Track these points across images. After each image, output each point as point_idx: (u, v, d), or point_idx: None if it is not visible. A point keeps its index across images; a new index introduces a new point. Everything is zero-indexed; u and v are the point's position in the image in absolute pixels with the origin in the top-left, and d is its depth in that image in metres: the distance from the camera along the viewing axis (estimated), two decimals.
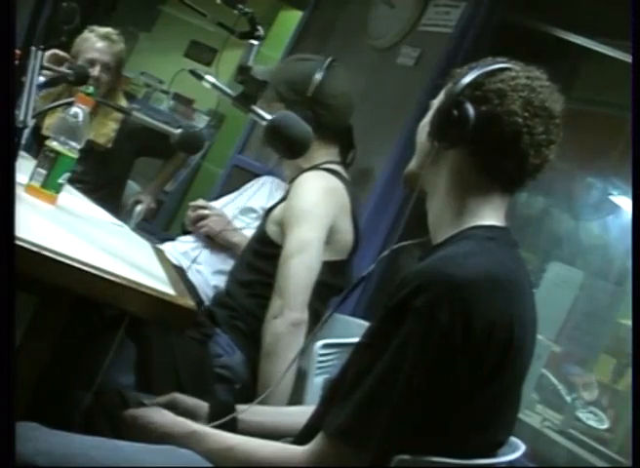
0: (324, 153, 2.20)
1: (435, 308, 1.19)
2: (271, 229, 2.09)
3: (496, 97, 1.33)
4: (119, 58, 3.34)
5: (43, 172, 1.83)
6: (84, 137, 1.93)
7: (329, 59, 2.19)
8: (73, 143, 1.87)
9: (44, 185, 1.83)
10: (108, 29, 3.33)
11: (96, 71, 3.20)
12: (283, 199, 2.15)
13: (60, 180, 1.85)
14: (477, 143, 1.34)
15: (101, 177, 3.38)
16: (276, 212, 2.12)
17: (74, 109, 1.89)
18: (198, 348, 1.98)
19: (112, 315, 1.69)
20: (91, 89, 2.05)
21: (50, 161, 1.83)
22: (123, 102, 3.39)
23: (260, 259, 2.11)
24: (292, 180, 2.21)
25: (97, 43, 3.25)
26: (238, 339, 2.03)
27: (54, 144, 1.84)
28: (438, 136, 1.37)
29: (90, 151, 3.30)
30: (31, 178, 1.83)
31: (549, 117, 1.34)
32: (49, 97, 3.12)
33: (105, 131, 3.30)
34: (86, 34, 3.27)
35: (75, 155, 1.87)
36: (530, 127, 1.32)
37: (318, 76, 2.12)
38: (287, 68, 2.23)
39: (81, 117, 1.89)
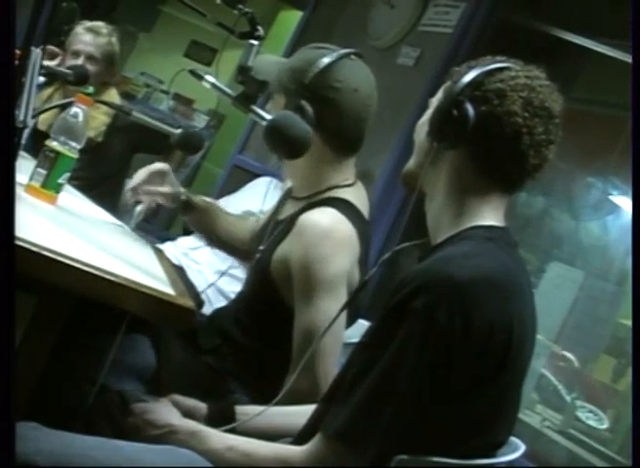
0: (333, 171, 1.86)
1: (435, 309, 1.19)
2: (275, 270, 1.80)
3: (495, 98, 1.32)
4: (106, 51, 3.32)
5: (43, 172, 1.83)
6: (84, 137, 1.93)
7: (346, 51, 1.83)
8: (73, 143, 1.87)
9: (44, 185, 1.83)
10: (97, 23, 3.35)
11: (79, 61, 3.19)
12: (286, 232, 1.82)
13: (60, 180, 1.85)
14: (477, 144, 1.34)
15: (97, 173, 3.38)
16: (280, 252, 1.81)
17: (74, 109, 1.89)
18: (215, 379, 1.90)
19: (116, 316, 1.69)
20: (90, 89, 2.04)
21: (50, 161, 1.83)
22: (117, 100, 3.39)
23: (261, 306, 1.88)
24: (293, 198, 1.93)
25: (82, 35, 3.26)
26: (243, 386, 1.95)
27: (54, 144, 1.84)
28: (438, 137, 1.37)
29: (84, 145, 3.30)
30: (31, 178, 1.83)
31: (549, 117, 1.34)
32: (44, 94, 3.13)
33: (95, 124, 3.29)
34: (76, 29, 3.30)
35: (75, 155, 1.88)
36: (530, 127, 1.32)
37: (321, 63, 1.77)
38: (295, 56, 1.91)
39: (81, 117, 1.89)
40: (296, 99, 1.77)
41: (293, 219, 1.81)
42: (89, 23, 3.32)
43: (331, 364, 1.70)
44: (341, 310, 1.57)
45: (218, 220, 2.12)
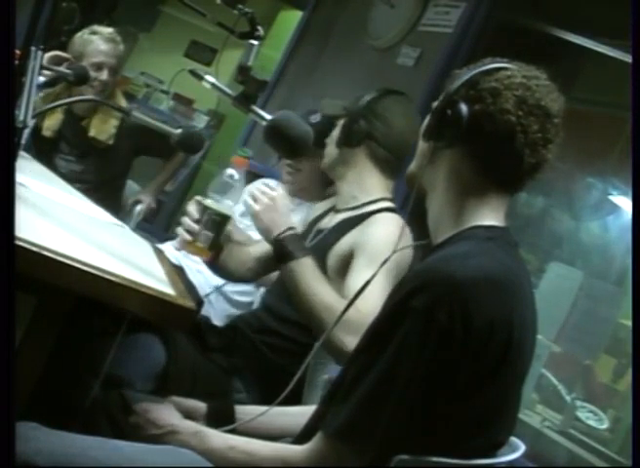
0: (381, 186, 2.14)
1: (435, 308, 1.19)
2: (332, 265, 1.99)
3: (489, 96, 1.33)
4: (122, 60, 3.33)
5: (210, 234, 1.92)
6: (240, 198, 2.03)
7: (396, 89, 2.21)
8: (228, 202, 1.98)
9: (210, 247, 1.94)
10: (110, 30, 3.28)
11: (104, 75, 3.17)
12: (342, 231, 2.05)
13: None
14: (472, 143, 1.34)
15: (102, 176, 3.39)
16: (339, 247, 2.01)
17: (229, 171, 1.99)
18: (221, 378, 1.95)
19: (122, 318, 1.69)
20: (247, 151, 2.09)
21: (215, 224, 1.93)
22: (122, 101, 3.40)
23: None
24: (339, 210, 2.15)
25: (101, 45, 3.19)
26: (256, 381, 1.99)
27: (208, 202, 1.94)
28: (433, 136, 1.38)
29: (91, 149, 3.32)
30: (197, 240, 1.93)
31: (545, 116, 1.33)
32: (48, 98, 3.13)
33: (106, 127, 3.31)
34: (88, 36, 3.21)
35: (231, 213, 1.98)
36: (524, 125, 1.32)
37: (378, 91, 2.14)
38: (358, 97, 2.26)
39: (237, 178, 1.98)
40: (354, 117, 2.08)
41: (358, 219, 2.04)
42: (104, 31, 3.25)
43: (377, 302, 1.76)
44: (347, 308, 1.58)
45: (241, 254, 2.18)
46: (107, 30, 3.27)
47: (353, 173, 2.12)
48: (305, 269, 1.84)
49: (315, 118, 2.67)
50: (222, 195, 1.96)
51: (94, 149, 3.32)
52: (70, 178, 3.12)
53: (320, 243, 2.07)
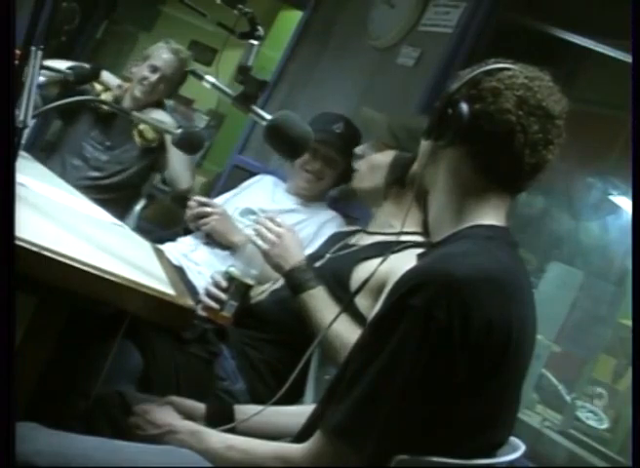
0: (418, 220, 2.10)
1: (433, 306, 1.19)
2: (362, 303, 1.97)
3: (490, 96, 1.33)
4: (180, 74, 3.51)
5: (234, 304, 2.06)
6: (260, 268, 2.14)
7: None
8: (253, 271, 2.10)
9: (234, 314, 2.06)
10: (182, 48, 3.58)
11: (154, 77, 3.42)
12: (374, 251, 2.04)
13: None
14: (472, 142, 1.34)
15: (122, 171, 3.45)
16: (376, 268, 1.87)
17: (249, 247, 2.16)
18: (202, 368, 1.97)
19: (108, 314, 1.69)
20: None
21: (240, 294, 2.08)
22: (161, 114, 3.49)
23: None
24: (371, 232, 2.18)
25: (165, 53, 3.47)
26: (245, 368, 2.01)
27: (235, 272, 2.06)
28: (434, 135, 1.38)
29: (123, 144, 3.46)
30: (222, 309, 2.06)
31: (546, 117, 1.33)
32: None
33: (152, 134, 3.46)
34: (162, 43, 3.52)
35: (254, 283, 2.11)
36: (524, 125, 1.32)
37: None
38: (403, 119, 2.27)
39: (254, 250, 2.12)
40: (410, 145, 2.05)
41: (393, 244, 1.91)
42: (175, 45, 3.52)
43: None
44: (344, 309, 1.59)
45: None
46: (179, 46, 3.57)
47: (395, 203, 2.15)
48: (317, 299, 1.97)
49: (339, 127, 2.67)
50: (247, 265, 2.08)
51: (126, 145, 3.46)
52: (92, 165, 3.35)
53: (350, 255, 2.11)
